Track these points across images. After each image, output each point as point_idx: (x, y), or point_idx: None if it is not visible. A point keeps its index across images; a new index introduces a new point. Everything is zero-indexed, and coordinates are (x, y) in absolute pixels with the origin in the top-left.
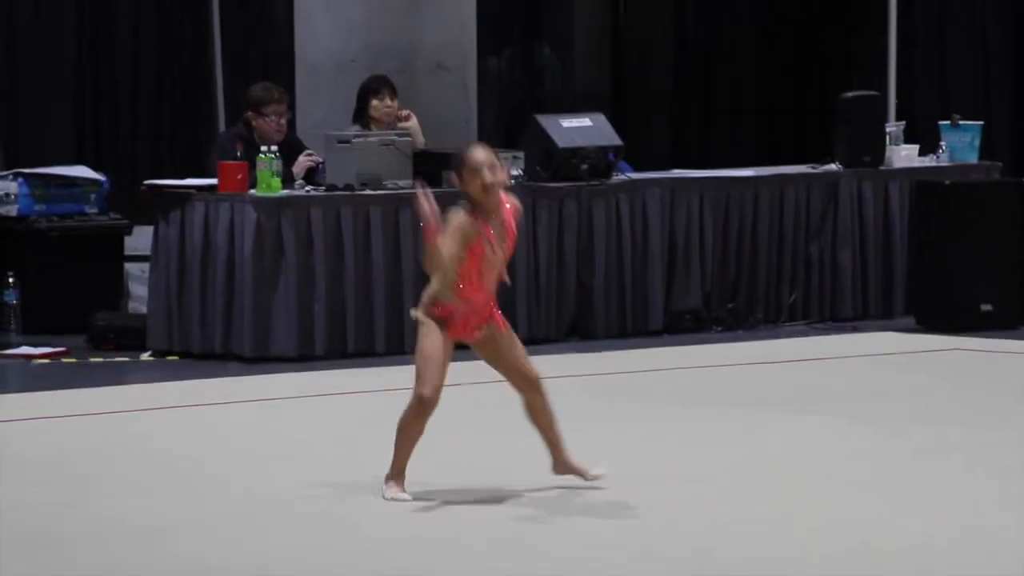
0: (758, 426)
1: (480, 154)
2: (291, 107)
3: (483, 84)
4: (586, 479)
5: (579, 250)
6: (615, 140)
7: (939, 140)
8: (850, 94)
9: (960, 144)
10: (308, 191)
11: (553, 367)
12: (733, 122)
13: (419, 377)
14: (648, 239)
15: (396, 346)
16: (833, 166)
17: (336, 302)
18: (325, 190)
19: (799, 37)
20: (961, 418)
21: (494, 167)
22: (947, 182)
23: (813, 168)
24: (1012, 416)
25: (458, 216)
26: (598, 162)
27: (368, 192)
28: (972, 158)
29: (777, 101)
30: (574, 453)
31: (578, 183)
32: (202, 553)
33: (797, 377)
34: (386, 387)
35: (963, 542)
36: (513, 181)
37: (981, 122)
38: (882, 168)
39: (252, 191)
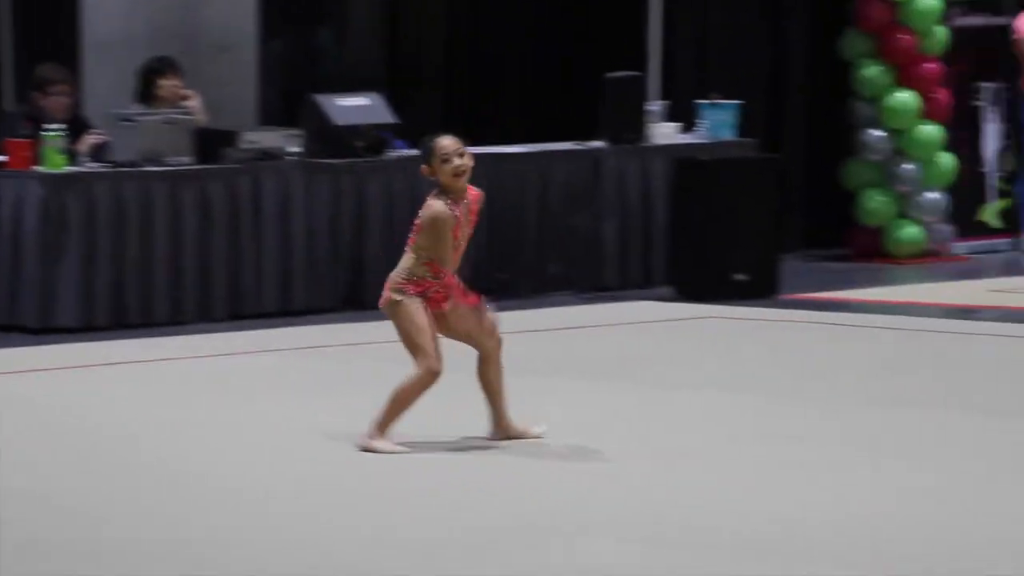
0: (523, 393)
1: (447, 142)
2: (77, 86)
3: (264, 65)
4: (529, 437)
5: (354, 224)
6: (390, 118)
7: (698, 118)
8: (613, 75)
9: (718, 122)
10: (92, 168)
11: (330, 336)
12: (503, 101)
13: (422, 352)
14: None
15: (176, 316)
16: (597, 143)
17: (118, 275)
18: (110, 167)
19: (565, 19)
20: (716, 382)
21: (462, 154)
22: (705, 158)
23: (578, 145)
24: (761, 380)
25: (437, 206)
26: (373, 139)
27: (151, 169)
28: (729, 136)
29: (545, 81)
30: (354, 419)
31: (354, 160)
32: None
33: (562, 345)
34: (166, 356)
35: (683, 499)
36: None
37: (738, 101)
38: (644, 145)
39: (38, 168)
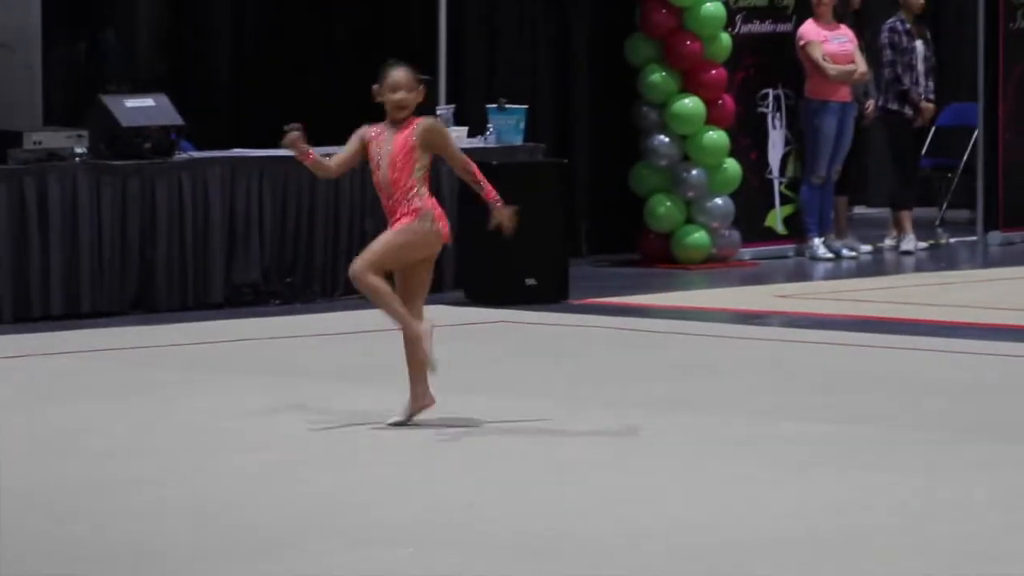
0: (316, 398)
1: (398, 75)
2: None
3: (50, 65)
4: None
5: (142, 226)
6: (177, 119)
7: (487, 123)
8: None
9: (506, 126)
10: None
11: (117, 340)
12: (292, 105)
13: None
14: (209, 215)
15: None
16: None
17: None
18: None
19: (353, 22)
20: (503, 387)
21: (411, 89)
22: (494, 162)
23: None
24: (548, 385)
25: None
26: (160, 141)
27: None
28: (518, 140)
29: (334, 85)
30: (134, 422)
31: (141, 161)
32: None
33: (353, 349)
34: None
35: (502, 502)
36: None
37: (526, 106)
38: None
39: None
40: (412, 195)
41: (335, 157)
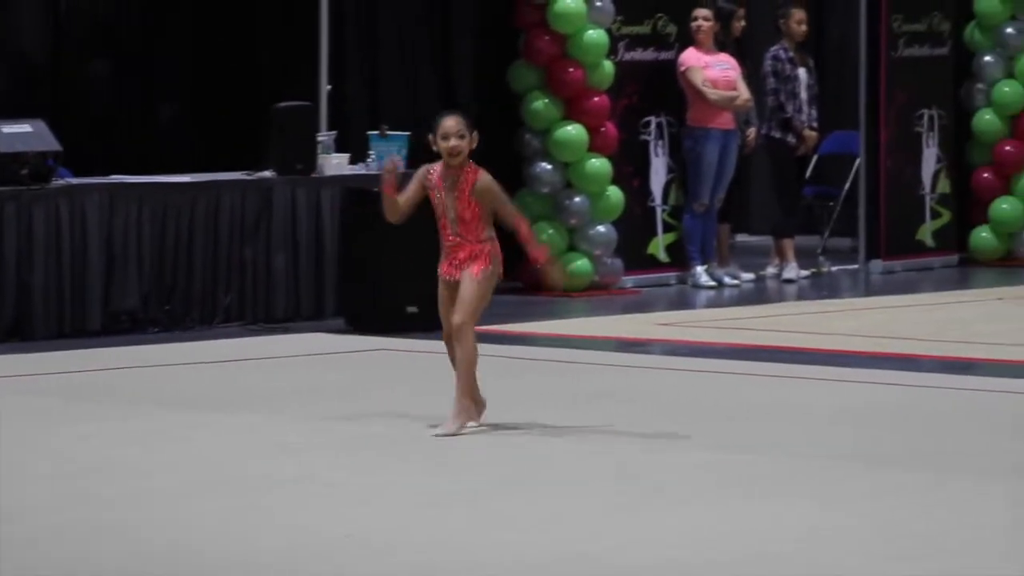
0: (194, 426)
1: (450, 123)
2: None
3: None
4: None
5: (19, 252)
6: (54, 145)
7: (368, 149)
8: (283, 104)
9: (388, 153)
10: None
11: None
12: (171, 130)
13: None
14: (87, 242)
15: None
16: (267, 173)
17: None
18: None
19: (233, 47)
20: (386, 414)
21: (462, 135)
22: (374, 189)
23: (248, 175)
24: (429, 412)
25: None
26: (38, 167)
27: None
28: (400, 167)
29: (213, 110)
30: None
31: (18, 187)
32: None
33: (232, 377)
34: None
35: (393, 521)
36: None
37: (408, 133)
38: (314, 175)
39: None
40: (484, 237)
41: (400, 196)
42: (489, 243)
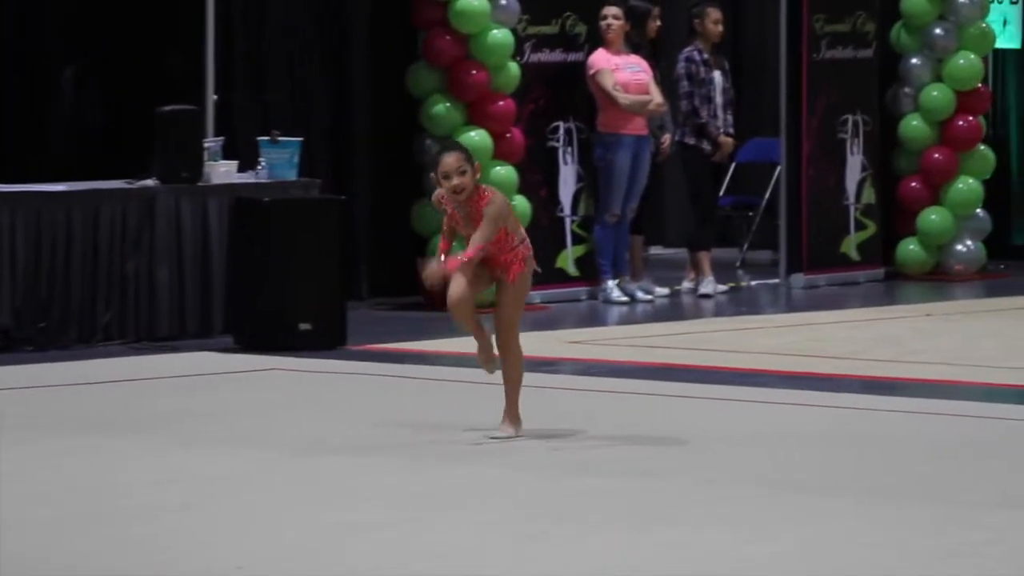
0: (70, 452)
1: (449, 160)
2: None
3: None
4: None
5: None
6: None
7: (258, 156)
8: (166, 108)
9: (279, 160)
10: None
11: None
12: (48, 136)
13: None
14: None
15: None
16: (150, 181)
17: None
18: None
19: (116, 50)
20: (279, 436)
21: (463, 172)
22: (266, 199)
23: (129, 183)
24: (324, 436)
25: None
26: None
27: None
28: (291, 175)
29: (92, 115)
30: None
31: None
32: None
33: (115, 399)
34: None
35: (285, 552)
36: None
37: (300, 139)
38: (200, 184)
39: None
40: (514, 245)
41: (444, 241)
42: (520, 247)
